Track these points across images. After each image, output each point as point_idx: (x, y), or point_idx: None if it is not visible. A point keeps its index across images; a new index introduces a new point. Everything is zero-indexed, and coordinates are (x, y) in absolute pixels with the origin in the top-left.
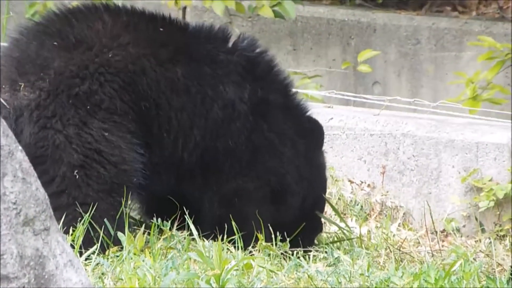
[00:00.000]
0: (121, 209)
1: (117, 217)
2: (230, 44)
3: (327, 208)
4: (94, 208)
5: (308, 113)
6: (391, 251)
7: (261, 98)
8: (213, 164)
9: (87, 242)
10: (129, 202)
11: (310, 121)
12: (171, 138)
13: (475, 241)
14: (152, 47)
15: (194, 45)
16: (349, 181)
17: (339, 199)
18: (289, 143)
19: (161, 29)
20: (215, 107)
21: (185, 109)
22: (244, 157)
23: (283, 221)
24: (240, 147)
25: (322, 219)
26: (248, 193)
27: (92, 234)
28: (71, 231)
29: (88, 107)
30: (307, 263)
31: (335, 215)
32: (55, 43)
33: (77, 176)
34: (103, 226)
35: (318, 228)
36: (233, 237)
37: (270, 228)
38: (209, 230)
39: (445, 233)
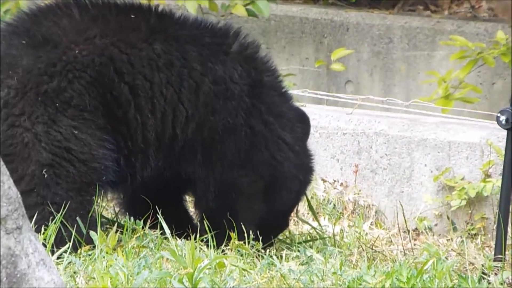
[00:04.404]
0: (92, 208)
1: (89, 215)
2: (210, 27)
3: (301, 206)
4: (64, 207)
5: (292, 102)
6: (363, 250)
7: (255, 80)
8: (214, 142)
9: (58, 241)
10: (100, 200)
11: (297, 111)
12: (158, 117)
13: (447, 240)
14: (121, 33)
15: (176, 28)
16: (322, 180)
17: (312, 197)
18: (288, 126)
19: (132, 16)
20: (206, 81)
21: (171, 83)
22: (243, 145)
23: (277, 214)
24: (239, 130)
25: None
26: (241, 188)
27: (63, 233)
28: (42, 230)
29: (57, 104)
30: (280, 262)
31: (308, 213)
32: (23, 41)
33: (46, 175)
34: (75, 225)
35: (285, 223)
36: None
37: (260, 223)
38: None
39: (417, 232)
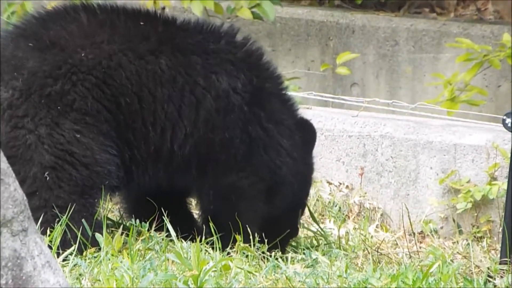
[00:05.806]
0: (97, 211)
1: (94, 218)
2: (214, 32)
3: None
4: (66, 210)
5: (299, 112)
6: (369, 253)
7: (256, 87)
8: (210, 156)
9: (62, 244)
10: (105, 203)
11: (303, 121)
12: (158, 131)
13: (453, 243)
14: (130, 42)
15: (182, 37)
16: (328, 182)
17: (317, 200)
18: (287, 133)
19: (141, 23)
20: (208, 98)
21: (172, 100)
22: (240, 151)
23: (275, 217)
24: (235, 140)
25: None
26: (242, 190)
27: (68, 235)
28: (48, 232)
29: (60, 107)
30: (285, 265)
31: (310, 218)
32: (30, 44)
33: (48, 178)
34: (79, 228)
35: (294, 230)
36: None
37: (260, 227)
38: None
39: (422, 235)
